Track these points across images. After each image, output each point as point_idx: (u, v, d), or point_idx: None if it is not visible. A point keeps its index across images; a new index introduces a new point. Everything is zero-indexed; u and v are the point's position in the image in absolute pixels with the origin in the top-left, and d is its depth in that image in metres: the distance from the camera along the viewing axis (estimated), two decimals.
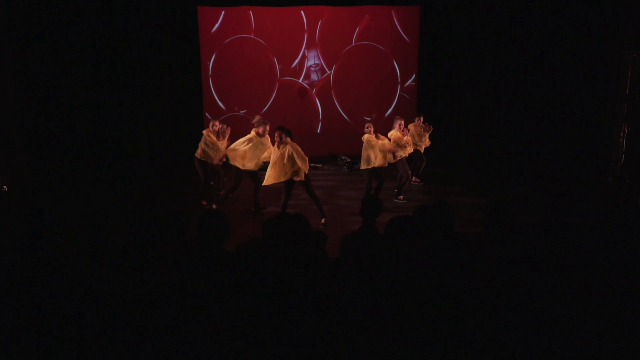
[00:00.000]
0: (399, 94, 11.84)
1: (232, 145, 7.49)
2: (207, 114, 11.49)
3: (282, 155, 6.84)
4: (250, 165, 7.40)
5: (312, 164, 9.23)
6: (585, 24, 10.26)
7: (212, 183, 8.85)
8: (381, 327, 2.69)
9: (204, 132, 8.14)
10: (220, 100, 11.62)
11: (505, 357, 2.67)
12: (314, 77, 11.73)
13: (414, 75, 11.74)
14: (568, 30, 10.49)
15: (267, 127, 7.46)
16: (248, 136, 7.41)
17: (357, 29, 11.51)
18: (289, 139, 6.92)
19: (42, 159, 9.97)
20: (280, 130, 6.89)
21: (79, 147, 10.53)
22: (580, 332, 2.74)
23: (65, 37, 10.04)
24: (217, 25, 11.31)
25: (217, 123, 8.29)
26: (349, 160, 11.01)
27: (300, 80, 11.71)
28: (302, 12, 11.36)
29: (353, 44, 11.57)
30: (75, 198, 8.53)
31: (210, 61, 11.43)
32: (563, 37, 10.54)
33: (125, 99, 10.73)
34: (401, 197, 8.35)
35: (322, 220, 7.20)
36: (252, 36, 11.40)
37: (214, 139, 8.06)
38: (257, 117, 7.64)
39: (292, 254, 3.20)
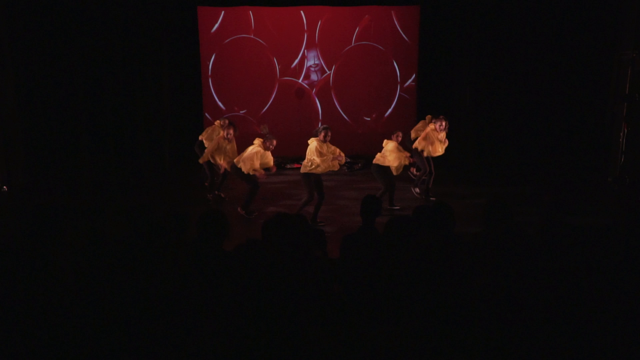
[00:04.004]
0: (399, 94, 11.84)
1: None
2: (207, 114, 11.48)
3: (330, 151, 7.15)
4: (243, 165, 7.42)
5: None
6: (584, 24, 10.25)
7: (206, 184, 8.83)
8: (381, 327, 2.69)
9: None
10: (220, 100, 11.62)
11: (505, 358, 2.67)
12: (313, 77, 11.73)
13: (414, 75, 11.73)
14: (568, 30, 10.48)
15: (274, 142, 7.51)
16: (256, 148, 7.41)
17: (357, 29, 11.50)
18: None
19: (42, 159, 9.96)
20: (329, 130, 7.15)
21: (79, 147, 10.52)
22: (580, 331, 2.75)
23: (65, 37, 10.02)
24: (217, 25, 11.31)
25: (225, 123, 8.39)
26: (349, 160, 11.00)
27: (300, 81, 11.71)
28: (302, 12, 11.35)
29: (353, 44, 11.57)
30: (75, 198, 8.52)
31: (210, 61, 11.42)
32: (563, 37, 10.53)
33: (125, 99, 10.71)
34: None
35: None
36: (252, 36, 11.39)
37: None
38: (265, 129, 7.68)
39: (291, 254, 3.21)
